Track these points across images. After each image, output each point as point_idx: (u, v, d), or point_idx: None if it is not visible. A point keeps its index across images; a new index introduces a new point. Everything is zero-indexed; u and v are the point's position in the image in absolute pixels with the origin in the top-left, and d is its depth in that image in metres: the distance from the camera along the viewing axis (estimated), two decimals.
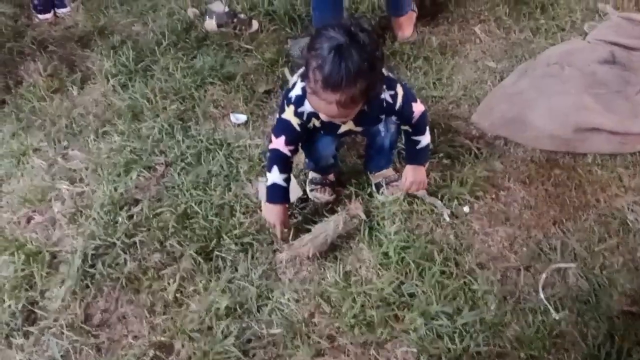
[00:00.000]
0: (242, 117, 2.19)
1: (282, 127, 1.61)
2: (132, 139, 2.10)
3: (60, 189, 1.93)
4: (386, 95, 1.57)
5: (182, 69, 2.39)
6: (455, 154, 1.97)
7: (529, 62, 2.24)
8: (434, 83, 2.28)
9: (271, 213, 1.70)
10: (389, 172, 1.89)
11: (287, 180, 1.66)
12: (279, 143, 1.61)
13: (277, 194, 1.67)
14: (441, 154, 1.96)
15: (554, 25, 2.47)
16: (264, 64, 2.41)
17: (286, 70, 2.35)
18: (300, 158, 1.94)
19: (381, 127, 1.74)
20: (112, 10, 2.87)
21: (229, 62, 2.43)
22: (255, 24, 2.63)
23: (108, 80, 2.36)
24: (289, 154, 1.63)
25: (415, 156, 1.77)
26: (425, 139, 1.72)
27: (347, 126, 1.65)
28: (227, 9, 2.66)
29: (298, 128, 1.60)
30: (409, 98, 1.62)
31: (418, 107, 1.65)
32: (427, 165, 1.82)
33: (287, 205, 1.73)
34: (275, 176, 1.64)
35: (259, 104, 2.25)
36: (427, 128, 1.72)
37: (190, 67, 2.40)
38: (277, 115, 1.67)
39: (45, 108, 2.28)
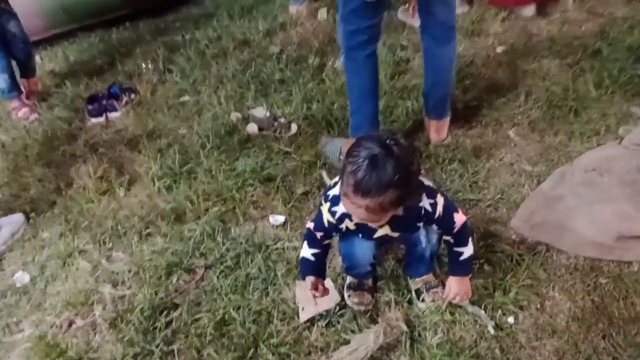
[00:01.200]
0: (281, 218, 2.23)
1: (316, 216, 1.69)
2: (174, 241, 2.15)
3: (102, 292, 1.96)
4: (425, 204, 1.58)
5: (225, 171, 2.47)
6: (497, 260, 1.93)
7: (566, 167, 2.24)
8: (470, 186, 2.28)
9: (306, 285, 1.72)
10: (429, 277, 1.88)
11: (316, 255, 1.71)
12: (311, 225, 1.70)
13: (304, 266, 1.73)
14: (482, 260, 1.92)
15: (588, 130, 2.46)
16: (302, 165, 2.47)
17: (324, 173, 2.41)
18: (339, 261, 1.94)
19: (422, 237, 1.74)
20: (160, 114, 3.02)
21: (269, 164, 2.50)
22: (294, 127, 2.74)
23: (154, 183, 2.45)
24: (318, 237, 1.70)
25: (458, 268, 1.75)
26: (468, 251, 1.70)
27: (383, 231, 1.66)
28: (267, 114, 2.81)
29: (326, 224, 1.64)
30: (449, 208, 1.63)
31: (459, 217, 1.65)
32: (470, 274, 1.80)
33: (318, 278, 1.71)
34: (304, 250, 1.72)
35: (297, 205, 2.29)
36: (470, 239, 1.71)
37: (232, 170, 2.48)
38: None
39: (92, 209, 2.37)
